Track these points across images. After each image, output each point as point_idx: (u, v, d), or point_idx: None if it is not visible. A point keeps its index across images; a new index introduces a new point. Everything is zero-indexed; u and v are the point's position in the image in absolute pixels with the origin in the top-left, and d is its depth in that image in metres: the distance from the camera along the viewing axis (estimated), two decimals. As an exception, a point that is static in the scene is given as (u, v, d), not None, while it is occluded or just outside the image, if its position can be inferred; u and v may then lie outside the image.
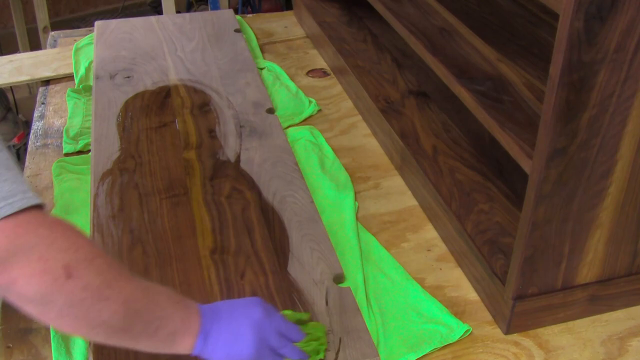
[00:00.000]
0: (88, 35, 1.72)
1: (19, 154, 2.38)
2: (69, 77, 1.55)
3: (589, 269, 0.91)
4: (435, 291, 0.99)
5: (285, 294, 0.92)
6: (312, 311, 0.90)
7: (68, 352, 0.87)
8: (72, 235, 0.66)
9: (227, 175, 1.16)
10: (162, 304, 0.71)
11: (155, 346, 0.72)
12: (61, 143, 1.30)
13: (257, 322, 0.77)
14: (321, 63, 1.65)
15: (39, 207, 0.64)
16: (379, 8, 1.28)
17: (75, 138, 1.31)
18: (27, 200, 0.62)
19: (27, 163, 1.26)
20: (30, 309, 0.66)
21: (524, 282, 0.88)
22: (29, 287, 0.63)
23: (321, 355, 0.83)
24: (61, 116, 1.40)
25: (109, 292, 0.66)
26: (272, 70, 1.58)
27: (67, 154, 1.27)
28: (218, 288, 0.93)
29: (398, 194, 1.20)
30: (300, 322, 0.85)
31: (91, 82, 1.47)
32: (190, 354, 0.74)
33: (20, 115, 2.61)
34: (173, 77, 1.46)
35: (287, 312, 0.87)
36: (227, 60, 1.54)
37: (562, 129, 0.75)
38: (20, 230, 0.62)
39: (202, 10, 3.41)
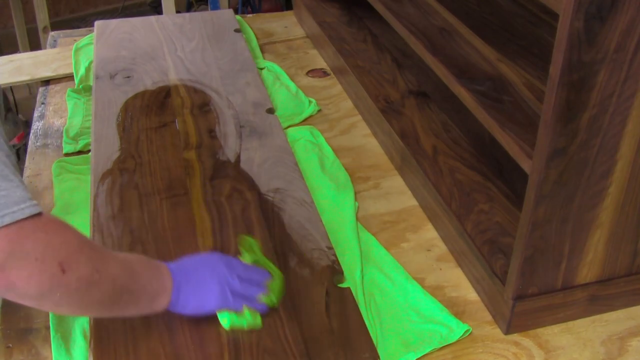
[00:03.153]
0: (88, 35, 1.72)
1: (19, 154, 2.38)
2: (69, 77, 1.55)
3: (589, 269, 0.91)
4: (435, 291, 0.99)
5: (285, 294, 0.92)
6: (312, 312, 0.90)
7: (68, 352, 0.87)
8: (62, 230, 0.71)
9: (227, 175, 1.16)
10: (141, 273, 0.79)
11: (139, 310, 0.80)
12: (61, 143, 1.30)
13: (219, 274, 0.85)
14: (321, 63, 1.65)
15: (39, 214, 0.68)
16: (379, 8, 1.28)
17: (75, 138, 1.31)
18: (31, 209, 0.67)
19: (27, 163, 1.26)
20: (28, 303, 0.71)
21: (524, 282, 0.88)
22: (28, 288, 0.67)
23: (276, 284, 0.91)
24: (61, 116, 1.40)
25: (98, 276, 0.72)
26: (272, 70, 1.58)
27: (67, 154, 1.27)
28: (218, 288, 0.93)
29: (398, 194, 1.20)
30: (257, 262, 0.93)
31: (91, 82, 1.47)
32: (165, 309, 0.82)
33: (20, 115, 2.61)
34: (173, 77, 1.46)
35: (243, 248, 0.96)
36: (227, 60, 1.54)
37: (562, 129, 0.75)
38: (21, 236, 0.66)
39: (202, 10, 3.41)
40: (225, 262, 0.87)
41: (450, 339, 0.91)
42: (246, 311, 0.86)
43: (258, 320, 0.87)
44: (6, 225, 0.64)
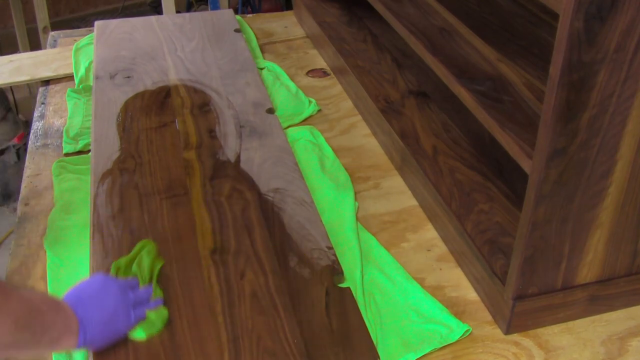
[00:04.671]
0: (88, 35, 1.72)
1: (19, 154, 2.38)
2: (69, 77, 1.55)
3: (589, 269, 0.91)
4: (435, 291, 0.99)
5: (285, 294, 0.92)
6: (312, 312, 0.90)
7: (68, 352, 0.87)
8: None
9: (227, 175, 1.16)
10: (45, 313, 0.75)
11: (41, 351, 0.78)
12: (61, 143, 1.30)
13: (116, 299, 0.83)
14: (321, 63, 1.65)
15: None
16: (379, 8, 1.28)
17: (75, 138, 1.31)
18: None
19: (27, 163, 1.26)
20: None
21: (524, 282, 0.88)
22: None
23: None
24: (61, 116, 1.40)
25: None
26: (272, 70, 1.58)
27: (67, 154, 1.27)
28: (218, 288, 0.93)
29: (398, 194, 1.20)
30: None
31: (91, 82, 1.47)
32: (73, 348, 0.79)
33: (20, 115, 2.61)
34: (173, 77, 1.46)
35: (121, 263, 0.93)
36: (227, 60, 1.54)
37: (562, 129, 0.75)
38: None
39: (202, 10, 3.41)
40: (112, 281, 0.85)
41: (450, 339, 0.91)
42: (150, 315, 0.86)
43: (164, 314, 0.87)
44: None
